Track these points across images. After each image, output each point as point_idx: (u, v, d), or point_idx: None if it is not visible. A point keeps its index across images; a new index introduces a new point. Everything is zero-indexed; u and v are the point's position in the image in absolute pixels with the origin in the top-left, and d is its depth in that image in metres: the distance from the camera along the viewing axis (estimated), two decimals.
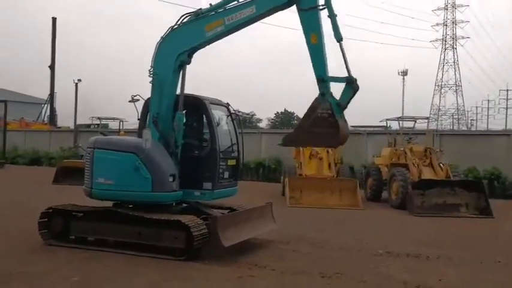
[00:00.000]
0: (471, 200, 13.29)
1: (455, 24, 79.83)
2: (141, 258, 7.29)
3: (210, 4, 8.01)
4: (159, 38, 8.14)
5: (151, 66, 8.11)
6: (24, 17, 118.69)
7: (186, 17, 8.12)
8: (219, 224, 7.32)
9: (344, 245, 8.77)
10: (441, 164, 14.83)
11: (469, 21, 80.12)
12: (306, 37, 7.34)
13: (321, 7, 7.39)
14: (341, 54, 7.31)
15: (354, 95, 7.19)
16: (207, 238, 7.32)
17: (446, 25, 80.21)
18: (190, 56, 8.11)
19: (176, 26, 8.10)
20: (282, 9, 7.70)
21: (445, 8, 79.88)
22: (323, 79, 7.23)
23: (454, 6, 79.33)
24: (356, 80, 7.17)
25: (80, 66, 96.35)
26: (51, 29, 44.42)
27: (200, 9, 8.07)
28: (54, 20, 44.58)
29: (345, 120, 7.28)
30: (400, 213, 13.31)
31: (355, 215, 13.05)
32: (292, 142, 7.09)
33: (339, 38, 7.32)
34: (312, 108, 7.20)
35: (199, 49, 8.14)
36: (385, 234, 10.17)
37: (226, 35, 7.99)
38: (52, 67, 44.23)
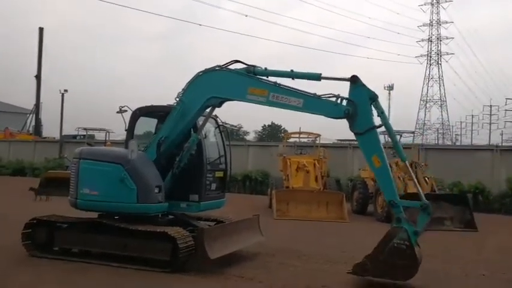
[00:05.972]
0: (456, 214, 13.38)
1: (440, 40, 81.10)
2: (126, 270, 7.21)
3: (266, 68, 7.60)
4: (203, 68, 7.76)
5: (182, 89, 7.84)
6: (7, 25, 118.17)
7: (235, 62, 7.68)
8: (206, 236, 7.28)
9: (330, 257, 8.77)
10: (426, 178, 14.95)
11: (453, 38, 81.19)
12: (368, 162, 7.01)
13: (377, 126, 7.01)
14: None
15: (429, 219, 6.89)
16: (193, 250, 7.26)
17: (431, 41, 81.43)
18: (221, 103, 7.81)
19: (223, 68, 7.68)
20: (331, 118, 7.22)
21: (430, 25, 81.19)
22: (394, 203, 6.86)
23: (439, 22, 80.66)
24: (430, 204, 6.92)
25: (66, 77, 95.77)
26: (38, 39, 44.24)
27: (254, 66, 7.56)
28: (41, 30, 44.42)
29: (419, 246, 6.86)
30: (385, 227, 13.11)
31: (342, 227, 13.08)
32: (367, 272, 6.87)
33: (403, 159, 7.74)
34: (389, 236, 6.88)
35: (232, 101, 7.78)
36: (371, 247, 10.12)
37: (264, 105, 7.46)
38: (38, 77, 43.95)
